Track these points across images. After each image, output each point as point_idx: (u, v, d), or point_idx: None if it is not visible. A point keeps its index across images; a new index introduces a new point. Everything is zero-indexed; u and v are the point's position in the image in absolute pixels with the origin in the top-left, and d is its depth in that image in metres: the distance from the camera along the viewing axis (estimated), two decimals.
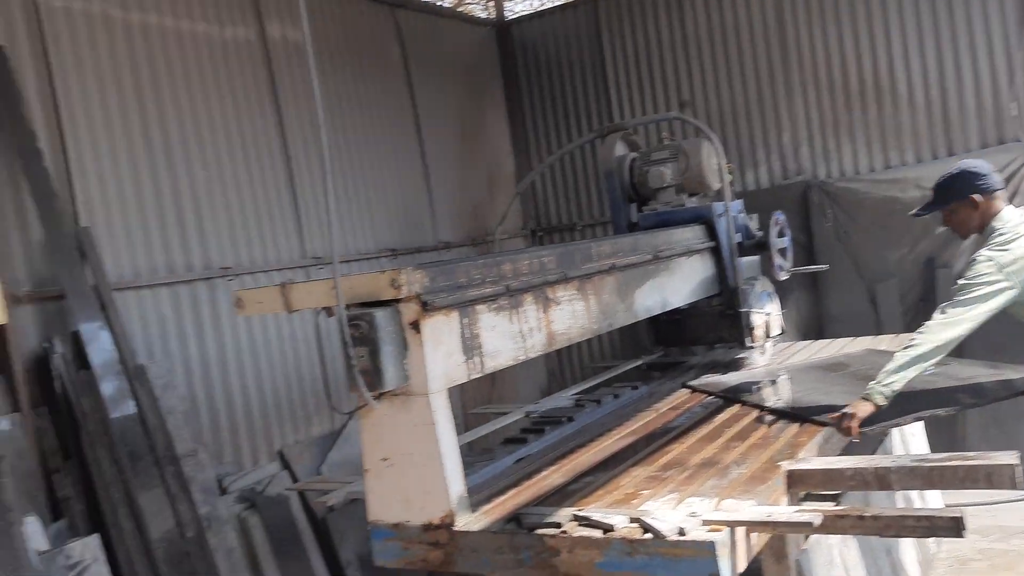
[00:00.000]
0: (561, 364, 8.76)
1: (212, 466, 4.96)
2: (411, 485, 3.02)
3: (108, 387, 4.47)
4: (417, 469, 3.00)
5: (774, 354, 5.54)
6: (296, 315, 5.15)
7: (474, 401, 6.96)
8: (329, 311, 2.91)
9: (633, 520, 2.69)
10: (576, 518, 2.82)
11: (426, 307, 2.89)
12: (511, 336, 3.37)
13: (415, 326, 2.89)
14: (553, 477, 3.47)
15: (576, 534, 2.72)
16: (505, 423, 4.70)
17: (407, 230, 7.30)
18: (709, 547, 2.47)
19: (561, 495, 3.22)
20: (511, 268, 3.41)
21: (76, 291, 4.57)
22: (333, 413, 5.99)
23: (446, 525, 2.96)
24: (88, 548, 3.97)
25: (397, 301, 2.89)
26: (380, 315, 2.84)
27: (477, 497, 3.20)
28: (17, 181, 4.55)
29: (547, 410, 4.79)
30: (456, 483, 3.01)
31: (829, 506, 2.93)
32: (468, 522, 2.99)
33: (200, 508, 4.55)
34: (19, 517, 3.75)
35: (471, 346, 3.14)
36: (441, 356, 2.99)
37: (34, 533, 3.87)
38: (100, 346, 4.54)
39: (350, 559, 5.46)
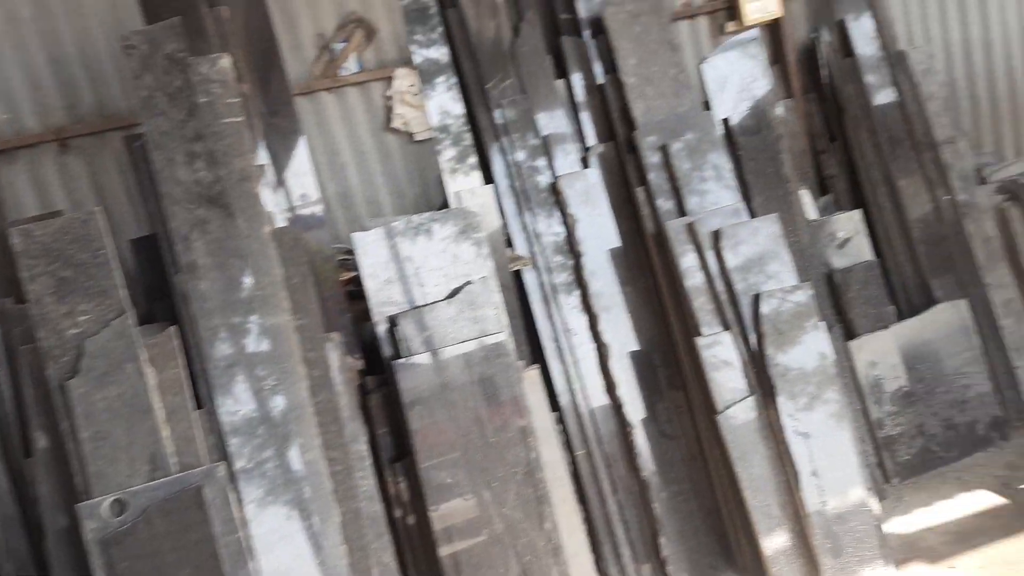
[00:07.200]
0: None
1: (971, 155, 4.89)
2: None
3: (869, 74, 4.69)
4: None
5: None
6: None
7: None
8: None
9: None
10: None
11: None
12: None
13: None
14: None
15: None
16: None
17: None
18: None
19: None
20: None
21: None
22: None
23: None
24: (851, 221, 4.38)
25: None
26: None
27: None
28: None
29: None
30: None
31: None
32: None
33: (958, 195, 4.62)
34: (794, 188, 4.11)
35: None
36: None
37: (806, 204, 4.32)
38: (862, 33, 4.75)
39: None
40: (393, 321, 3.27)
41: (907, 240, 4.60)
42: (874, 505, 3.51)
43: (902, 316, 4.37)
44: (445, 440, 3.16)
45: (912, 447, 4.17)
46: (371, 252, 3.34)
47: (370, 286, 3.32)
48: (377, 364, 3.37)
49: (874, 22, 4.73)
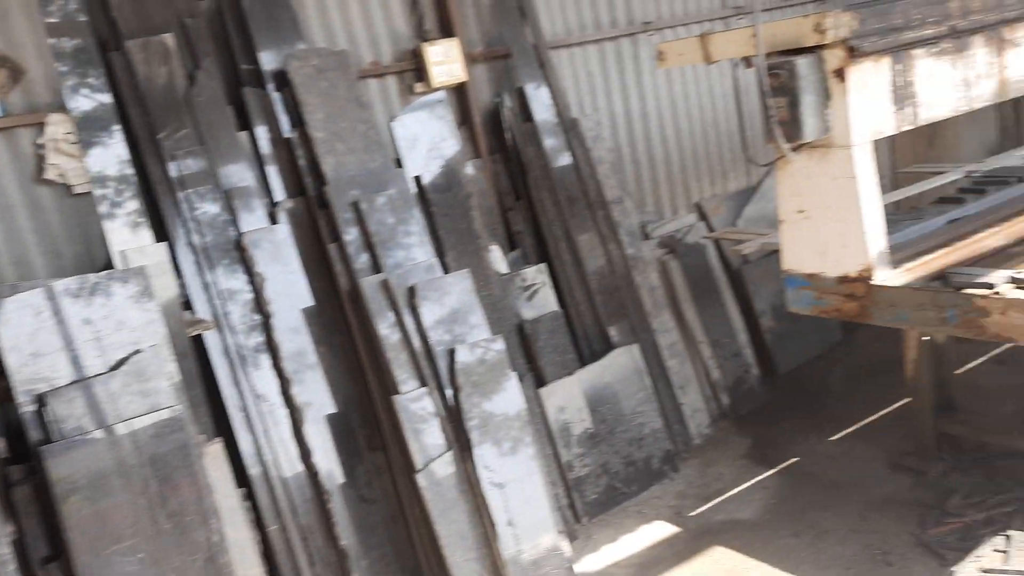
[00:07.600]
0: (1019, 118, 7.59)
1: (636, 213, 5.40)
2: (827, 238, 3.13)
3: (548, 138, 5.01)
4: (834, 222, 3.08)
5: None
6: (714, 69, 5.96)
7: (906, 159, 6.89)
8: (748, 61, 2.99)
9: None
10: (1014, 280, 2.84)
11: (853, 53, 2.87)
12: (952, 84, 3.22)
13: (839, 74, 2.90)
14: (990, 240, 3.35)
15: (1012, 296, 2.75)
16: (939, 183, 4.61)
17: None
18: None
19: (998, 258, 3.19)
20: (959, 6, 3.19)
21: (519, 49, 5.10)
22: (749, 169, 6.34)
23: (863, 279, 3.07)
24: (538, 274, 4.75)
25: (821, 47, 2.89)
26: (802, 63, 2.87)
27: (900, 255, 3.21)
28: None
29: (993, 170, 4.53)
30: (876, 238, 3.05)
31: None
32: (888, 277, 3.07)
33: (627, 249, 5.07)
34: (485, 244, 4.42)
35: (903, 95, 3.07)
36: (867, 106, 2.96)
37: (496, 259, 4.58)
38: (540, 101, 5.06)
39: (763, 309, 5.76)
40: (42, 400, 2.83)
41: (587, 290, 4.94)
42: (565, 547, 3.66)
43: (585, 362, 4.67)
44: (110, 531, 2.78)
45: (598, 486, 4.43)
46: (14, 322, 2.88)
47: (12, 361, 2.86)
48: (26, 450, 2.89)
49: (550, 91, 5.02)
